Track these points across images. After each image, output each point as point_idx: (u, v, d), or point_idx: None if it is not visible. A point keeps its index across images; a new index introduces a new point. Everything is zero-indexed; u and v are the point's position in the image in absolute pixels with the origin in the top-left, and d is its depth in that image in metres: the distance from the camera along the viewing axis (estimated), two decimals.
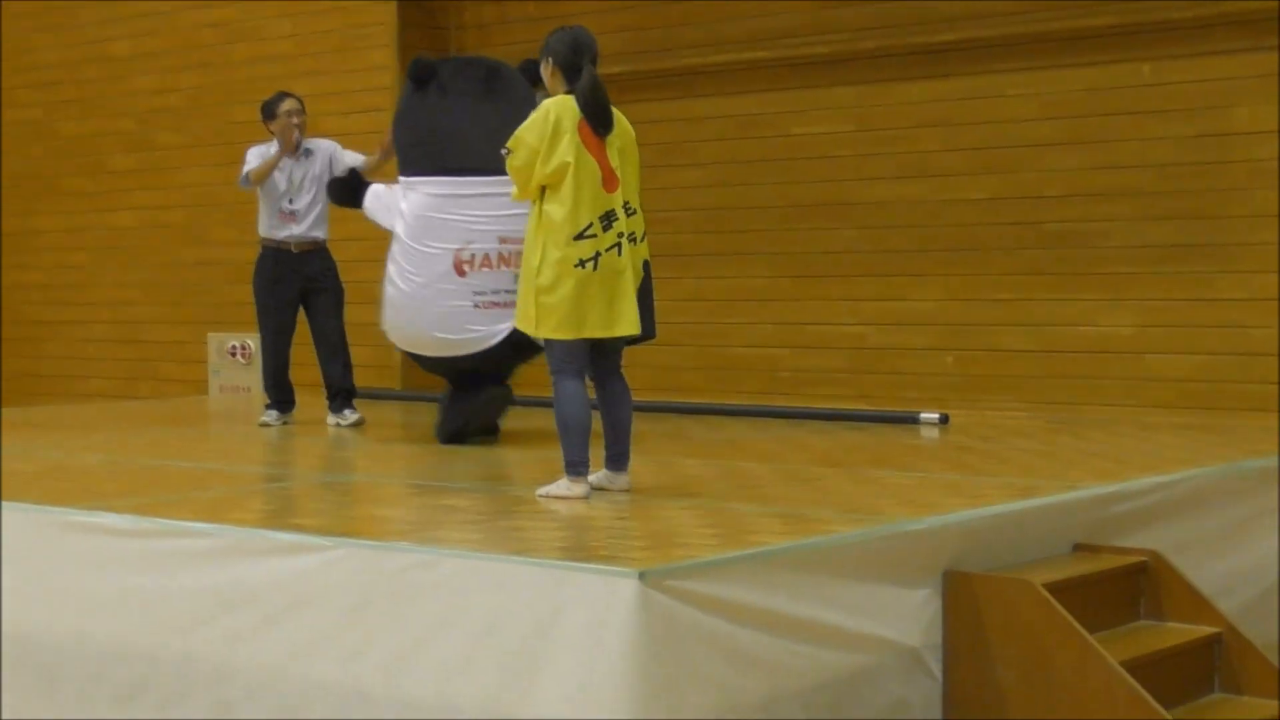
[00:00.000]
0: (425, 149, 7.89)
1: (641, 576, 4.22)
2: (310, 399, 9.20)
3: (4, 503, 5.72)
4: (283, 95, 8.96)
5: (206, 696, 4.99)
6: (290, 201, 8.79)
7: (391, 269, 7.81)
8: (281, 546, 4.94)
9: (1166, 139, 9.24)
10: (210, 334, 11.91)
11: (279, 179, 8.80)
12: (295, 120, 8.80)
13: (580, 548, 4.89)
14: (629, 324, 5.73)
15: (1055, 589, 4.92)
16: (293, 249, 8.82)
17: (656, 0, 10.91)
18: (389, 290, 7.82)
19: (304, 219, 8.80)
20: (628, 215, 5.73)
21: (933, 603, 5.02)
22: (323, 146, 8.95)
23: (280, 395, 8.96)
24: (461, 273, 7.64)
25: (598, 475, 5.91)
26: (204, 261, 12.65)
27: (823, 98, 10.41)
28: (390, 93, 11.31)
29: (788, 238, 10.52)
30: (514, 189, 5.87)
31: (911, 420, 8.86)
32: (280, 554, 4.92)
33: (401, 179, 7.95)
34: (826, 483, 6.38)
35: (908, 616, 4.94)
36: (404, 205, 7.82)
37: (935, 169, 9.99)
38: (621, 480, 5.92)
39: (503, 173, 7.75)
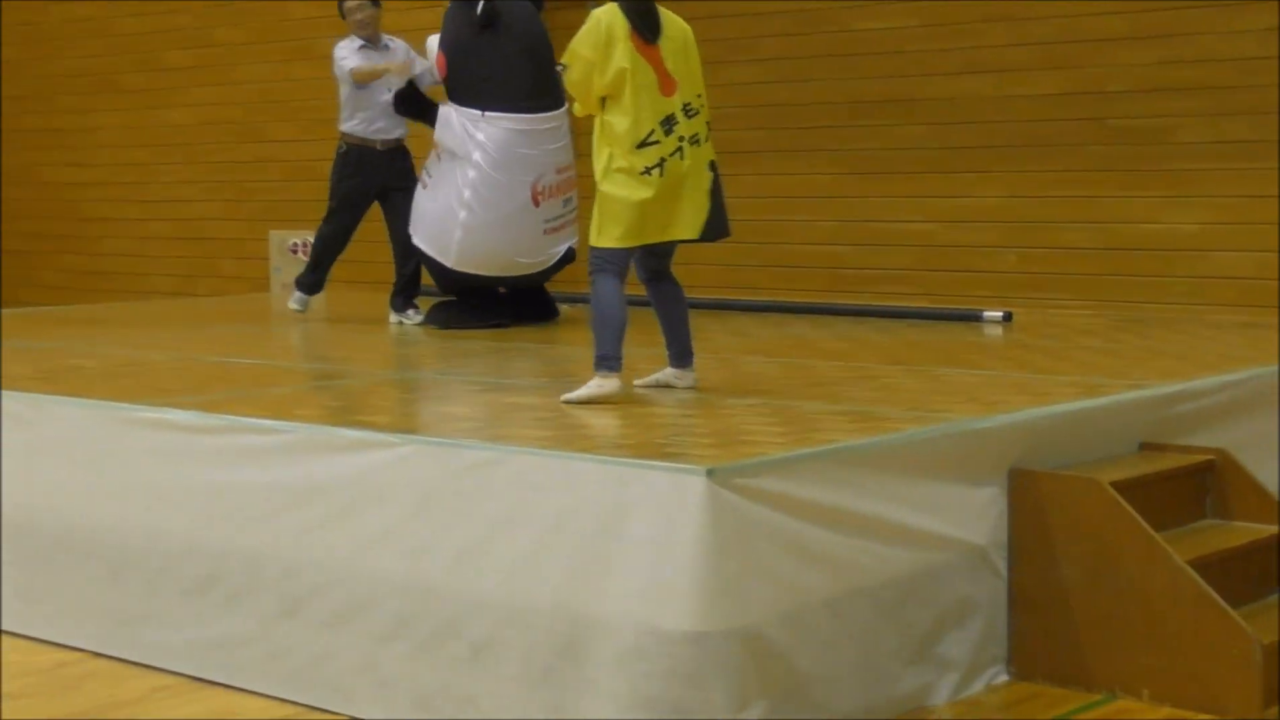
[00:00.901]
0: (499, 86, 8.37)
1: (710, 474, 4.22)
2: (371, 296, 9.23)
3: (74, 399, 5.80)
4: None
5: (274, 591, 5.05)
6: (389, 90, 8.77)
7: (467, 195, 8.27)
8: (349, 443, 4.96)
9: (1244, 32, 9.05)
10: (271, 231, 11.92)
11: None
12: (358, 16, 8.78)
13: (648, 445, 4.89)
14: (687, 227, 5.70)
15: (1122, 487, 4.89)
16: (378, 147, 8.81)
17: None
18: (463, 216, 8.28)
19: (394, 115, 8.80)
20: (688, 117, 5.66)
21: (999, 501, 5.00)
22: (400, 44, 8.97)
23: (316, 282, 9.11)
24: (536, 203, 8.33)
25: (664, 373, 5.91)
26: (262, 159, 12.65)
27: None
28: None
29: (851, 134, 10.42)
30: (576, 105, 5.80)
31: (975, 318, 8.80)
32: (348, 450, 4.94)
33: (471, 110, 8.34)
34: (892, 380, 6.35)
35: (974, 514, 4.93)
36: (480, 136, 8.29)
37: (1001, 64, 9.85)
38: (688, 377, 5.92)
39: (560, 107, 8.24)
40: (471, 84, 8.40)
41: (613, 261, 5.64)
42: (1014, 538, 5.00)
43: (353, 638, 4.83)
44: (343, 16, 8.93)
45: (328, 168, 9.06)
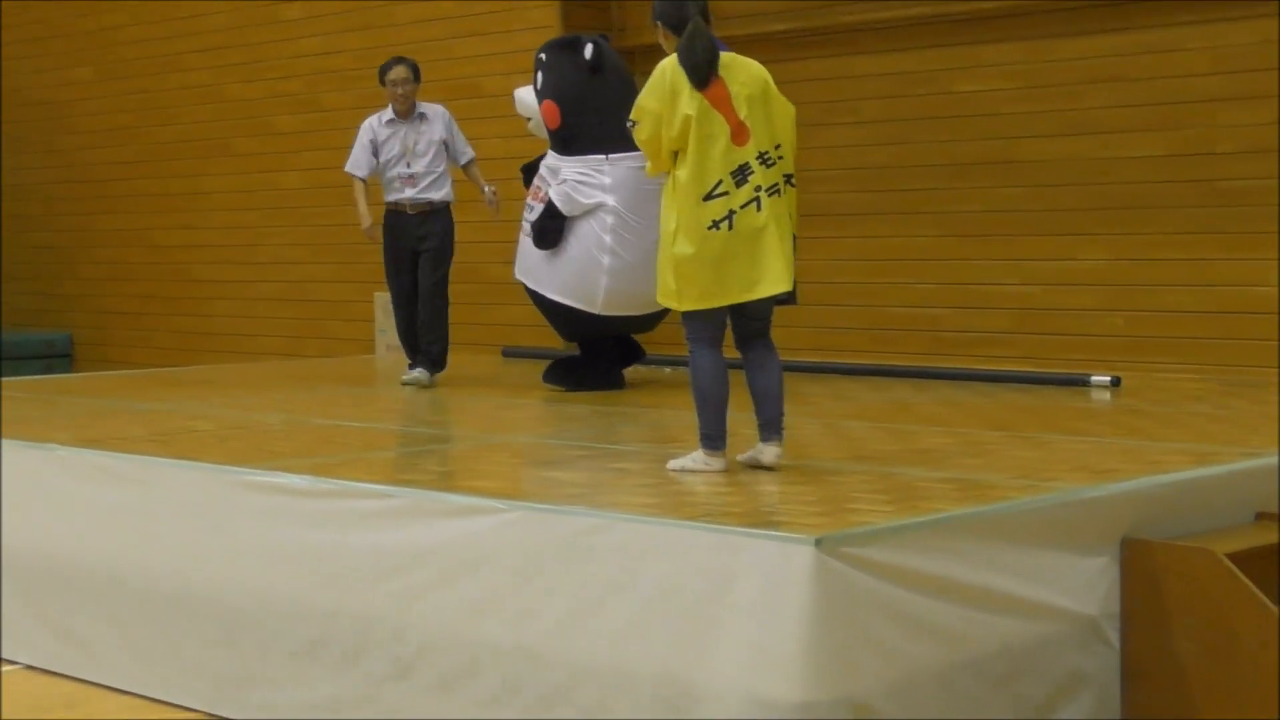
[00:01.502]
0: (615, 128, 8.27)
1: (818, 543, 4.21)
2: (476, 358, 9.30)
3: (188, 462, 5.89)
4: (393, 62, 9.07)
5: (383, 654, 5.09)
6: (408, 165, 8.93)
7: (609, 240, 8.39)
8: (457, 508, 5.01)
9: None
10: (377, 293, 12.07)
11: (394, 144, 8.95)
12: (400, 90, 8.93)
13: (754, 513, 4.88)
14: (775, 282, 5.38)
15: (1238, 559, 4.81)
16: (408, 210, 8.95)
17: None
18: (607, 261, 8.39)
19: (421, 181, 8.92)
20: (765, 167, 5.39)
21: (1110, 571, 4.95)
22: (438, 111, 9.08)
23: (416, 354, 9.12)
24: None
25: (756, 448, 5.57)
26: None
27: (987, 54, 10.24)
28: None
29: (951, 196, 10.39)
30: (647, 164, 5.61)
31: (1082, 383, 8.71)
32: (455, 515, 4.99)
33: (594, 156, 8.45)
34: (997, 447, 6.30)
35: (1085, 585, 4.87)
36: (609, 180, 8.40)
37: (1104, 126, 9.79)
38: (770, 452, 5.54)
39: None
40: (590, 129, 8.49)
41: (705, 328, 5.44)
42: (1126, 609, 4.93)
43: (463, 702, 4.85)
44: (382, 84, 9.04)
45: None
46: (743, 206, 5.35)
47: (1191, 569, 4.84)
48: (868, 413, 7.64)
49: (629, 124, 5.56)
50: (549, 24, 11.40)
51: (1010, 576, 4.67)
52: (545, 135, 8.78)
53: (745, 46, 11.53)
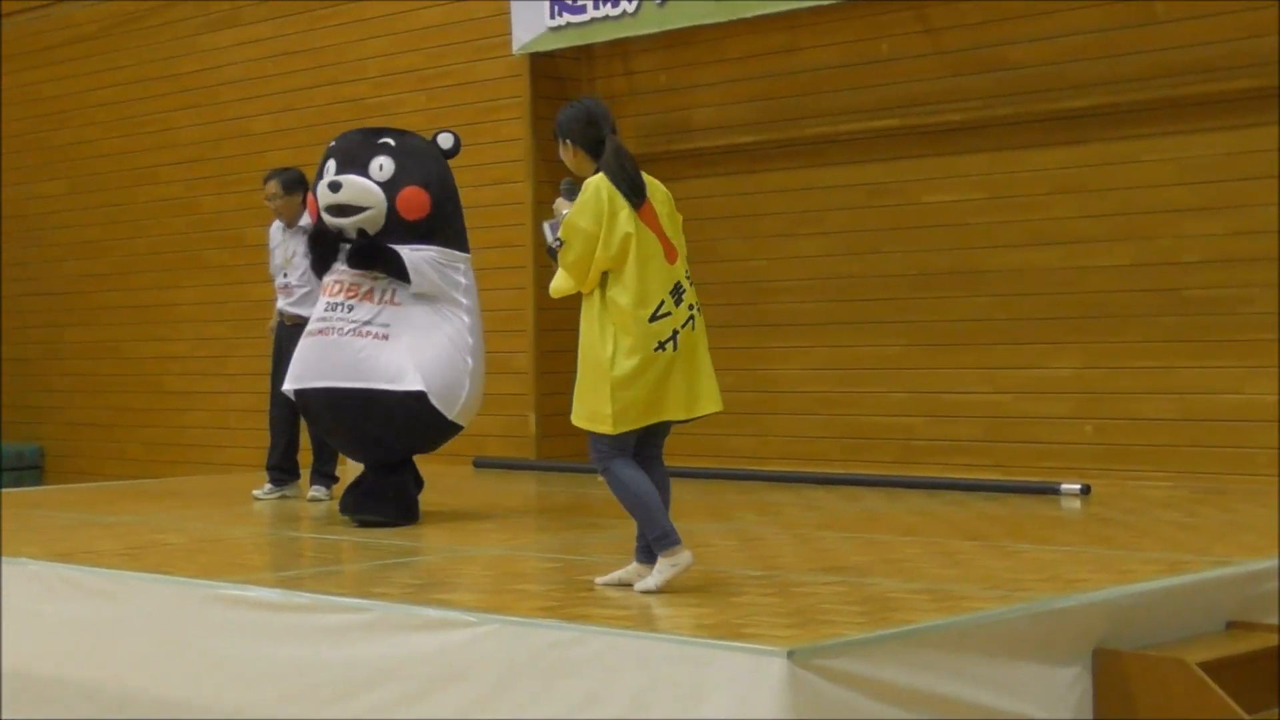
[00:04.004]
0: (464, 226, 7.97)
1: (790, 655, 4.21)
2: (445, 469, 9.27)
3: (158, 576, 5.86)
4: (270, 175, 9.14)
5: None
6: (285, 275, 8.93)
7: (471, 342, 7.72)
8: (429, 622, 5.00)
9: None
10: None
11: (276, 253, 9.02)
12: (271, 205, 9.01)
13: (726, 625, 4.87)
14: (711, 400, 5.34)
15: (1210, 668, 4.83)
16: (285, 322, 8.90)
17: (785, 70, 10.96)
18: (471, 364, 7.68)
19: (294, 293, 8.86)
20: (690, 284, 5.33)
21: (1082, 681, 4.95)
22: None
23: (278, 470, 9.03)
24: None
25: (629, 568, 5.51)
26: None
27: (953, 165, 10.38)
28: (523, 165, 11.47)
29: (919, 306, 10.48)
30: (563, 282, 5.34)
31: (1052, 491, 8.74)
32: (428, 629, 4.98)
33: (455, 252, 7.77)
34: (969, 557, 6.32)
35: (1057, 696, 4.88)
36: (464, 281, 7.76)
37: (1070, 236, 9.91)
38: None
39: None
40: (450, 222, 7.83)
41: (618, 446, 5.29)
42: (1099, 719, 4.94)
43: None
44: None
45: None
46: (683, 325, 5.26)
47: (1164, 679, 4.85)
48: (839, 523, 7.65)
49: (555, 243, 5.30)
50: (519, 136, 11.55)
51: (983, 688, 4.67)
52: (377, 228, 7.67)
53: (714, 159, 11.73)
